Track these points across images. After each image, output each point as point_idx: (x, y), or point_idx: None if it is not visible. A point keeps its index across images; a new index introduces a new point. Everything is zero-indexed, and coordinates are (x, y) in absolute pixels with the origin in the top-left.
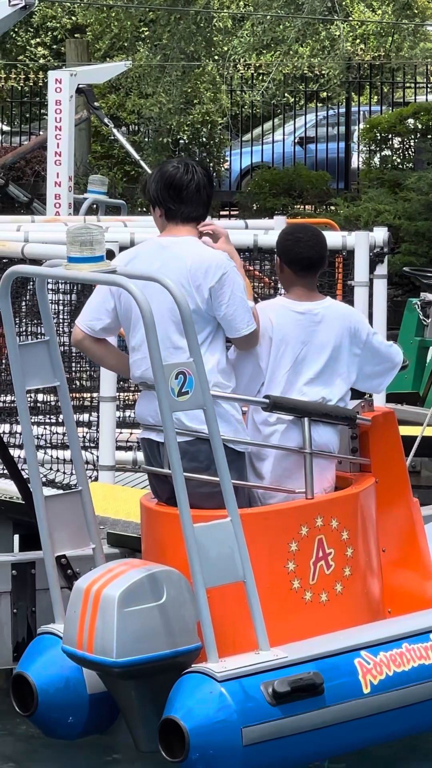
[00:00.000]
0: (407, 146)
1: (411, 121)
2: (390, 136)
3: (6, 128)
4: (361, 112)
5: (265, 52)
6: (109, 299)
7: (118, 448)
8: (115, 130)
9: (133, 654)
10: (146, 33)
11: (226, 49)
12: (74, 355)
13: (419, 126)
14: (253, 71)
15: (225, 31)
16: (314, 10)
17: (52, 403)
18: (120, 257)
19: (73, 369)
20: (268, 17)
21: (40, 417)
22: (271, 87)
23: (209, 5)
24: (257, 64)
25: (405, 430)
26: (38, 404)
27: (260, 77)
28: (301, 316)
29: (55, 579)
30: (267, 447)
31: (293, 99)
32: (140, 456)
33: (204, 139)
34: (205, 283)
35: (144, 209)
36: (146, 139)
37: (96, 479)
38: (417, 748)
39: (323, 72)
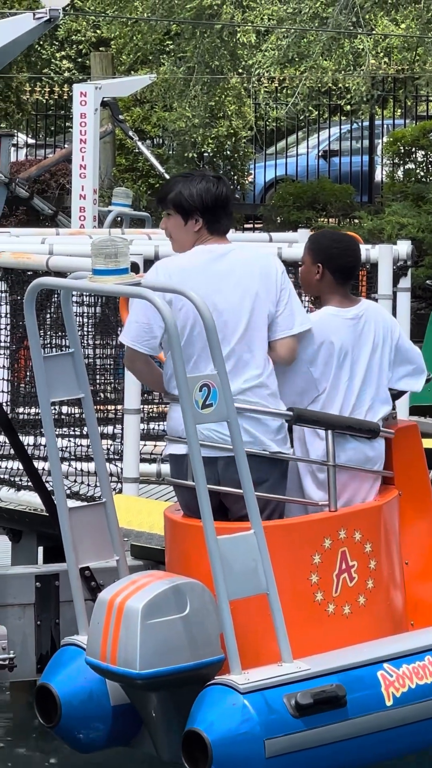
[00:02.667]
0: (431, 159)
1: None
2: (413, 149)
3: (31, 141)
4: (385, 126)
5: (289, 65)
6: (158, 315)
7: (143, 460)
8: (139, 143)
9: (156, 666)
10: (171, 46)
11: (250, 62)
12: (98, 367)
13: None
14: (277, 84)
15: (249, 45)
16: (339, 25)
17: (77, 416)
18: (165, 272)
19: (98, 381)
20: (293, 31)
21: (65, 429)
22: (298, 102)
23: (233, 19)
24: (281, 78)
25: (429, 443)
26: (63, 416)
27: (284, 91)
28: (351, 322)
29: (78, 591)
30: (290, 459)
31: (317, 112)
32: (164, 468)
33: (228, 153)
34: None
35: None
36: (170, 152)
37: (120, 491)
38: None
39: (347, 86)
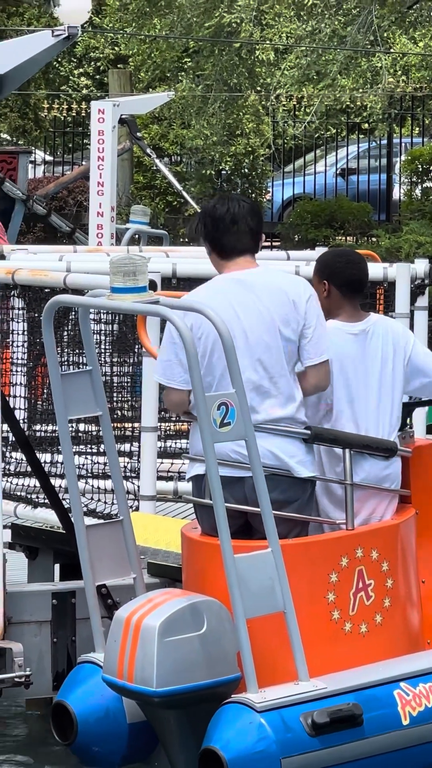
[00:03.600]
0: None
1: None
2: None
3: (49, 158)
4: (403, 144)
5: (307, 83)
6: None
7: (160, 478)
8: (157, 161)
9: (173, 684)
10: (189, 64)
11: (269, 80)
12: (116, 385)
13: None
14: (295, 102)
15: (268, 63)
16: (357, 43)
17: (94, 433)
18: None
19: (115, 399)
20: (312, 50)
21: (82, 447)
22: (314, 121)
23: (252, 37)
24: (299, 96)
25: None
26: (80, 434)
27: (303, 109)
28: (357, 337)
29: (95, 608)
30: (311, 479)
31: (335, 131)
32: (181, 486)
33: (246, 170)
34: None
35: (186, 240)
36: (188, 169)
37: (137, 509)
38: None
39: (365, 104)
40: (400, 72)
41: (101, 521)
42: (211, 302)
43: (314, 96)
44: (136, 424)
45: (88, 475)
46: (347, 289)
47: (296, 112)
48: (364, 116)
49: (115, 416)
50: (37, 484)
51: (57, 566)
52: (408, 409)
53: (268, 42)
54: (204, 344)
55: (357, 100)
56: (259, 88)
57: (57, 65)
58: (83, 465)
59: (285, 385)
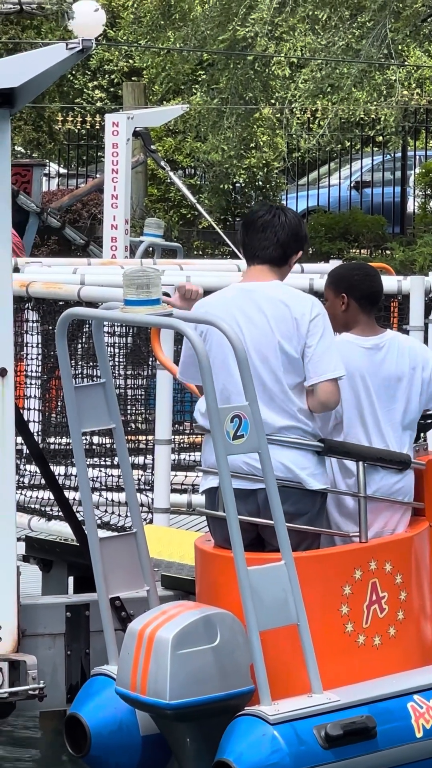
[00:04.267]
0: None
1: None
2: None
3: (63, 171)
4: (417, 157)
5: (322, 96)
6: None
7: (173, 490)
8: (171, 174)
9: (186, 696)
10: (203, 76)
11: (283, 94)
12: (129, 397)
13: None
14: (309, 115)
15: (283, 77)
16: (371, 57)
17: (108, 446)
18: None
19: (129, 411)
20: (327, 63)
21: (96, 459)
22: (326, 134)
23: (266, 51)
24: (314, 109)
25: None
26: (94, 446)
27: (317, 122)
28: (369, 351)
29: (109, 621)
30: (325, 492)
31: (349, 143)
32: (195, 499)
33: (260, 183)
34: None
35: (200, 252)
36: (202, 182)
37: (151, 521)
38: None
39: (379, 117)
40: (414, 85)
41: (115, 534)
42: (218, 312)
43: (328, 109)
44: (149, 437)
45: (102, 487)
46: (366, 302)
47: (311, 125)
48: (378, 129)
49: (129, 429)
50: (51, 497)
51: (71, 579)
52: (423, 423)
53: (282, 56)
54: (213, 355)
55: (371, 113)
56: (273, 101)
57: (71, 78)
58: (97, 477)
59: (282, 399)
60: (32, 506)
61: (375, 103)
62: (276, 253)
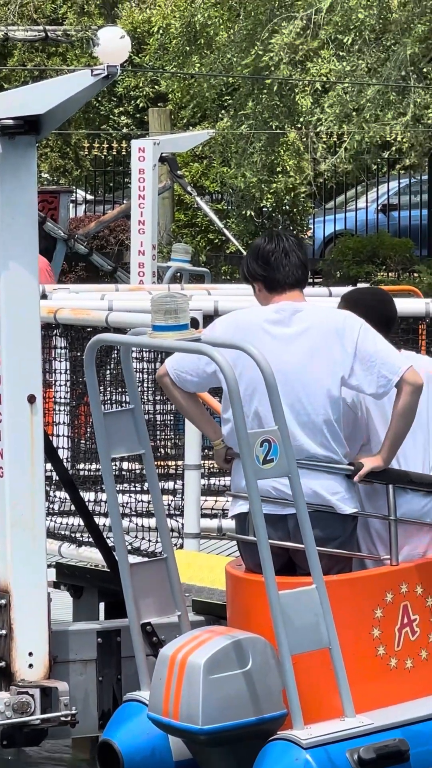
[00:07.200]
0: None
1: None
2: None
3: (89, 197)
4: None
5: (347, 120)
6: (212, 362)
7: (203, 515)
8: (198, 199)
9: (218, 721)
10: (229, 101)
11: (310, 119)
12: (158, 423)
13: None
14: (336, 139)
15: (307, 107)
16: (395, 79)
17: (137, 471)
18: (222, 328)
19: (158, 437)
20: (352, 87)
21: (125, 485)
22: (342, 157)
23: (291, 77)
24: (340, 133)
25: None
26: (123, 472)
27: (343, 146)
28: None
29: (140, 646)
30: (356, 515)
31: (376, 167)
32: (225, 523)
33: (287, 207)
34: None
35: (227, 277)
36: (229, 207)
37: (181, 547)
38: None
39: (403, 140)
40: None
41: (145, 559)
42: (246, 332)
43: (355, 133)
44: (179, 462)
45: (132, 513)
46: (384, 326)
47: (336, 149)
48: (405, 150)
49: (158, 454)
50: (81, 523)
51: (102, 605)
52: None
53: (306, 80)
54: (244, 384)
55: (398, 136)
56: (299, 125)
57: (97, 104)
58: (127, 503)
59: (315, 424)
60: (62, 533)
61: (393, 124)
62: (303, 276)
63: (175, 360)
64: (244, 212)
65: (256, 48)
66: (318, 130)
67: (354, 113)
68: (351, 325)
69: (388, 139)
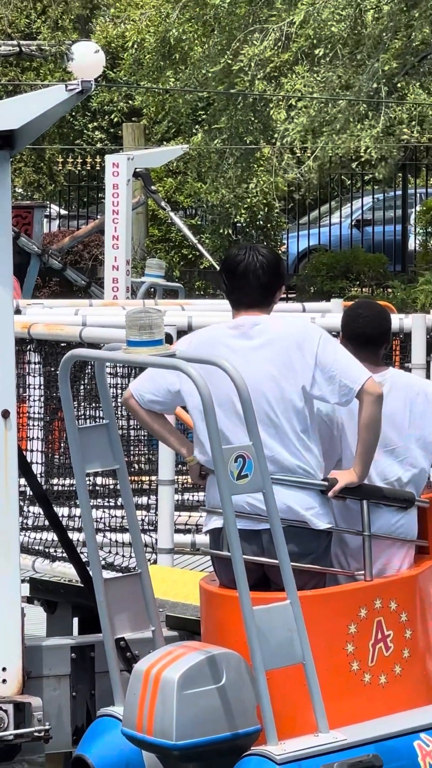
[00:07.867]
0: None
1: None
2: None
3: (63, 212)
4: (418, 195)
5: (315, 133)
6: (175, 382)
7: (177, 530)
8: (172, 214)
9: (192, 736)
10: (203, 116)
11: (281, 128)
12: (133, 438)
13: None
14: (309, 154)
15: (280, 121)
16: (362, 92)
17: (111, 487)
18: (190, 344)
19: (132, 452)
20: (317, 100)
21: (99, 500)
22: (312, 168)
23: (265, 92)
24: (303, 147)
25: None
26: (97, 487)
27: (311, 158)
28: None
29: (114, 662)
30: (329, 530)
31: (350, 182)
32: (199, 539)
33: (261, 223)
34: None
35: (201, 293)
36: (203, 222)
37: (155, 562)
38: None
39: (371, 153)
40: (414, 122)
41: (119, 574)
42: (215, 347)
43: (325, 143)
44: (153, 477)
45: (106, 528)
46: (355, 343)
47: (309, 162)
48: (374, 161)
49: (132, 469)
50: (55, 538)
51: (75, 620)
52: None
53: (279, 95)
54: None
55: (369, 149)
56: (273, 140)
57: (71, 119)
58: (101, 518)
59: (291, 438)
60: (36, 548)
61: (363, 136)
62: (261, 297)
63: (138, 383)
64: (219, 230)
65: (225, 56)
66: (284, 140)
67: (324, 124)
68: (311, 336)
69: (360, 153)
